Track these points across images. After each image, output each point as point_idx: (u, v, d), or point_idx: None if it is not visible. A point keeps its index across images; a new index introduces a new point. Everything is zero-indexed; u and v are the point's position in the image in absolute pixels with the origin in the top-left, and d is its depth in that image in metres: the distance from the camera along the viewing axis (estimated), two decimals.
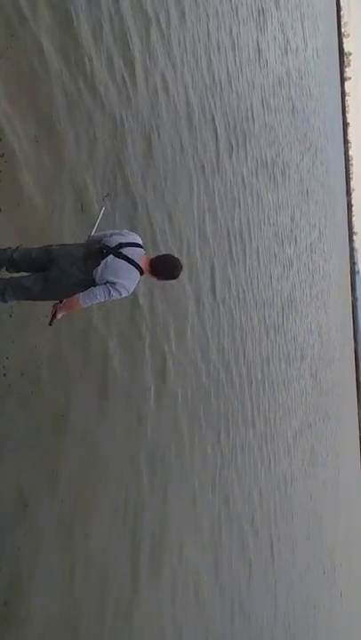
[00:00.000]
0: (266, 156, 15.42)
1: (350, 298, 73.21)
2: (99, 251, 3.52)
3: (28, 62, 4.17)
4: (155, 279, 3.84)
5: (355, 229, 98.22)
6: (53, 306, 3.52)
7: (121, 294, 3.54)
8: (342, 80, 78.66)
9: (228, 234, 10.61)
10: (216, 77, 9.73)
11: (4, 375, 3.64)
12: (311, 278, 26.01)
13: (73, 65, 4.94)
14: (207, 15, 9.26)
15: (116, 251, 3.54)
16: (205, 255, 9.05)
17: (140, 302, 6.19)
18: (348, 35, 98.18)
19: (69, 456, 4.36)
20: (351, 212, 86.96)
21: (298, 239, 21.85)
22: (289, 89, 19.77)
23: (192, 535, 7.35)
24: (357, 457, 61.54)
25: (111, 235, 3.69)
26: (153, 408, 6.35)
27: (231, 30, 11.28)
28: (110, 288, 3.50)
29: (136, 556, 5.51)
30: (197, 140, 8.77)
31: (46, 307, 3.64)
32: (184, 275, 6.26)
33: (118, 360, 5.52)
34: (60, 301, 3.51)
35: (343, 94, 79.03)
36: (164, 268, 3.74)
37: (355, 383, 69.54)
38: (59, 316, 3.52)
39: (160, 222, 6.96)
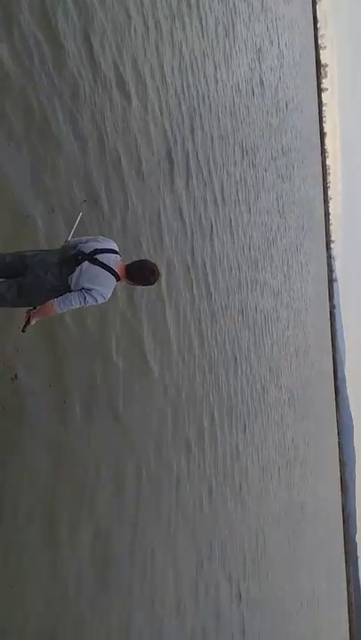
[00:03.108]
0: (243, 163, 15.52)
1: (328, 305, 74.05)
2: (74, 257, 3.49)
3: None
4: (131, 285, 3.81)
5: (332, 237, 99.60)
6: (27, 312, 3.48)
7: (97, 301, 3.51)
8: (319, 91, 79.82)
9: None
10: (179, 86, 9.64)
11: None
12: (290, 288, 26.20)
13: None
14: (174, 21, 9.21)
15: (92, 257, 3.51)
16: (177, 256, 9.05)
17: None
18: (325, 47, 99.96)
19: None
20: (328, 220, 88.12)
21: (277, 245, 22.01)
22: (263, 99, 19.96)
23: None
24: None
25: (87, 241, 3.66)
26: None
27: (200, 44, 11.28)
28: (86, 294, 3.46)
29: None
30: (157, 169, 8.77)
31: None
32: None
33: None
34: (34, 307, 3.46)
35: (320, 105, 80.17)
36: (141, 273, 3.72)
37: (333, 391, 70.19)
38: (33, 322, 3.47)
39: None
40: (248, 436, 13.46)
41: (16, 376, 4.10)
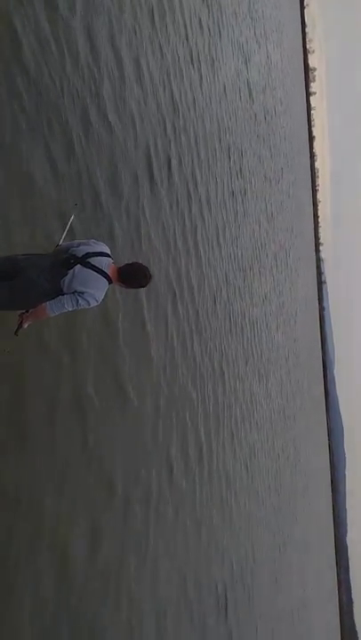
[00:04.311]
0: (231, 167, 15.59)
1: (317, 308, 74.50)
2: (66, 260, 3.52)
3: None
4: (123, 287, 3.84)
5: (321, 240, 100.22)
6: (20, 315, 3.49)
7: (89, 304, 3.54)
8: (308, 95, 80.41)
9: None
10: (174, 98, 9.61)
11: None
12: (279, 292, 26.29)
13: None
14: (154, 28, 9.21)
15: (84, 260, 3.54)
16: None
17: None
18: (313, 51, 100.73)
19: None
20: (318, 222, 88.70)
21: (266, 249, 22.10)
22: (252, 104, 20.07)
23: None
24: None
25: (78, 244, 3.69)
26: None
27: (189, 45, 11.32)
28: (78, 297, 3.49)
29: None
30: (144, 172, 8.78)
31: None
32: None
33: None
34: (27, 310, 3.48)
35: (309, 108, 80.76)
36: (133, 276, 3.75)
37: (323, 397, 70.50)
38: (25, 325, 3.49)
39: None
40: (238, 440, 13.48)
41: None
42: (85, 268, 3.51)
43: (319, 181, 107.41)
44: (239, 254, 15.61)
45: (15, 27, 4.59)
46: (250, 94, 19.37)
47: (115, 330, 6.37)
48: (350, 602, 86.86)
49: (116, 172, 6.71)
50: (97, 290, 3.55)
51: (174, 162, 9.39)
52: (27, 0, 4.85)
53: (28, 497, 4.23)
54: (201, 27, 12.12)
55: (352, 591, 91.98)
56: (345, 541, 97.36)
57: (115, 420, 6.17)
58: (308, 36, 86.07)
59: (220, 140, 13.58)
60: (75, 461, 5.09)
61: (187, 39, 10.72)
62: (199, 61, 11.70)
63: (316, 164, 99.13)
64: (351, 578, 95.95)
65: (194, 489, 9.07)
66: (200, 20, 12.09)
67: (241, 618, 11.84)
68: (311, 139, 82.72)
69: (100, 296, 3.60)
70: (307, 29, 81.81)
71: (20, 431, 4.22)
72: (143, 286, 3.88)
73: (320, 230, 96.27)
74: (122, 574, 5.87)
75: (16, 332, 3.49)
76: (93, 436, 5.44)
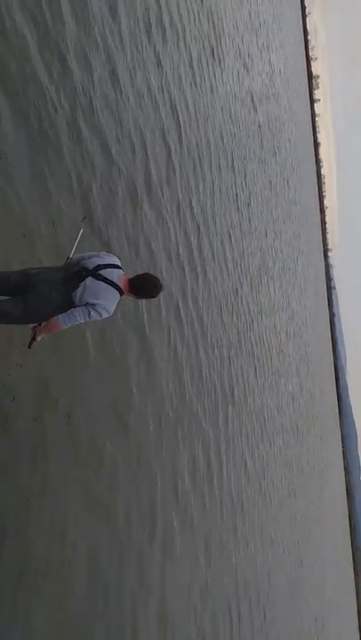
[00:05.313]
0: (237, 176, 15.64)
1: (328, 313, 74.14)
2: (77, 273, 3.55)
3: None
4: (135, 298, 3.87)
5: (329, 246, 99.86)
6: (32, 328, 3.53)
7: (101, 315, 3.56)
8: (312, 102, 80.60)
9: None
10: (177, 107, 9.60)
11: None
12: (288, 301, 26.24)
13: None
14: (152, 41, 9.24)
15: (95, 272, 3.57)
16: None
17: None
18: (316, 58, 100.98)
19: None
20: (325, 229, 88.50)
21: (275, 258, 22.11)
22: (256, 113, 20.15)
23: None
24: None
25: (89, 257, 3.72)
26: None
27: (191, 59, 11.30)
28: (90, 309, 3.52)
29: None
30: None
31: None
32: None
33: None
34: (39, 324, 3.51)
35: (313, 115, 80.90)
36: (144, 287, 3.78)
37: (336, 399, 69.92)
38: (38, 338, 3.52)
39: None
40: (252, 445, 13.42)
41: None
42: (97, 280, 3.54)
43: (326, 188, 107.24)
44: (246, 263, 15.62)
45: None
46: (252, 103, 19.46)
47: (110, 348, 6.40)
48: None
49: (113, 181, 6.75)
50: (108, 301, 3.58)
51: (175, 171, 9.33)
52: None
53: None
54: (202, 38, 12.21)
55: None
56: None
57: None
58: (311, 44, 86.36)
59: (223, 151, 13.63)
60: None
61: (186, 48, 10.75)
62: (201, 71, 11.75)
63: (323, 171, 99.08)
64: None
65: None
66: (201, 29, 12.17)
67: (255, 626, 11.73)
68: (316, 145, 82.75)
69: (112, 307, 3.63)
70: (309, 37, 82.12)
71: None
72: (154, 297, 3.91)
73: (328, 236, 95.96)
74: None
75: (29, 346, 3.53)
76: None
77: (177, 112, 9.59)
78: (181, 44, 10.28)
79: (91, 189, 5.87)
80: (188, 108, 10.34)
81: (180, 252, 9.20)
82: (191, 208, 10.14)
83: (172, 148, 9.20)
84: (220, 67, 13.84)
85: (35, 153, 4.77)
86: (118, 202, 6.69)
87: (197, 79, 11.33)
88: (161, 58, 8.89)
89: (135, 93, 7.53)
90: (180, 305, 8.96)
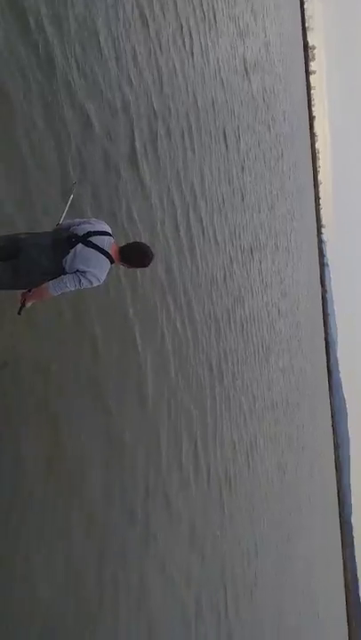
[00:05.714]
0: (233, 149, 15.42)
1: (320, 290, 74.32)
2: (67, 239, 3.48)
3: None
4: (125, 267, 3.80)
5: (323, 222, 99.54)
6: (22, 295, 3.47)
7: (92, 283, 3.51)
8: (307, 74, 79.27)
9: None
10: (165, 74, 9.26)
11: None
12: (281, 277, 26.18)
13: None
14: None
15: (85, 239, 3.50)
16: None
17: None
18: (313, 28, 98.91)
19: None
20: (319, 204, 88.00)
21: (268, 231, 21.98)
22: (250, 84, 19.76)
23: None
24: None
25: (79, 223, 3.64)
26: None
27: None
28: (81, 277, 3.46)
29: None
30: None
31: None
32: None
33: None
34: (29, 290, 3.45)
35: (308, 88, 79.64)
36: (135, 256, 3.71)
37: (326, 375, 70.63)
38: (28, 304, 3.46)
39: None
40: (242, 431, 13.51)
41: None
42: (87, 247, 3.47)
43: (320, 162, 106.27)
44: (240, 237, 15.51)
45: None
46: (246, 73, 19.05)
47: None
48: (355, 579, 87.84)
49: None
50: (99, 269, 3.52)
51: (163, 139, 9.03)
52: None
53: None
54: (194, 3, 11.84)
55: (357, 570, 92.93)
56: (350, 521, 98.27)
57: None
58: (308, 13, 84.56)
59: (214, 121, 13.33)
60: None
61: (178, 15, 10.42)
62: (191, 38, 11.37)
63: (317, 145, 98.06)
64: (357, 557, 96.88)
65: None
66: None
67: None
68: (311, 119, 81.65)
69: (103, 276, 3.56)
70: (305, 5, 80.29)
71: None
72: (145, 266, 3.84)
73: (321, 212, 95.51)
74: None
75: (19, 312, 3.47)
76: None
77: (162, 76, 9.22)
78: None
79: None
80: (175, 72, 10.01)
81: (167, 227, 8.95)
82: (179, 180, 9.91)
83: (160, 115, 8.89)
84: (212, 31, 13.46)
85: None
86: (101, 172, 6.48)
87: (187, 42, 10.98)
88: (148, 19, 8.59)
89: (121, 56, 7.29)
90: (166, 279, 8.76)
